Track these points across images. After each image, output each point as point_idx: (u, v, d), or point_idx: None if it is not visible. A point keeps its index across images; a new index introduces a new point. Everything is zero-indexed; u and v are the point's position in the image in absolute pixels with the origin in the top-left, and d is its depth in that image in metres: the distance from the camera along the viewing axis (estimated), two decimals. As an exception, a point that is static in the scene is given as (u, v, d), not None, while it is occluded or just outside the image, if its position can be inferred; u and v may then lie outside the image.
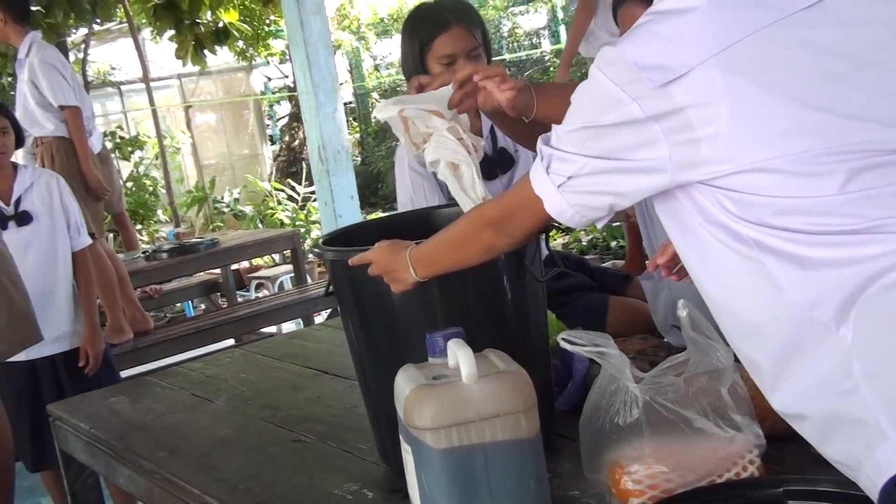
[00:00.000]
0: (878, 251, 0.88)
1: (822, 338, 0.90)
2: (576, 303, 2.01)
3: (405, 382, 1.15)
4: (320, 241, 1.55)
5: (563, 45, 10.09)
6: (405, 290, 1.32)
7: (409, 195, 2.12)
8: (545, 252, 1.50)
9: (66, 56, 8.96)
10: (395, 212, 2.08)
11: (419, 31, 2.08)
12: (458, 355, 1.12)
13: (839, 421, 0.90)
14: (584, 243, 6.48)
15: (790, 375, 0.95)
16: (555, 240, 6.76)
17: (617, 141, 0.95)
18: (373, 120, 11.86)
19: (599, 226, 1.09)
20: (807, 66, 0.90)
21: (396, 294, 1.33)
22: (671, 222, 1.02)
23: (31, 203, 2.90)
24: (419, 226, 1.56)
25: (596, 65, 0.97)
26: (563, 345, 1.18)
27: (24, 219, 2.88)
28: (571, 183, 1.01)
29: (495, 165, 2.18)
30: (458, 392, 1.10)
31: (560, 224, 1.10)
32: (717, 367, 1.19)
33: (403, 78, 2.21)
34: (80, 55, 9.63)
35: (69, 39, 9.27)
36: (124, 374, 3.56)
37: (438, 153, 1.39)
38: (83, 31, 9.30)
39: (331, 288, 1.51)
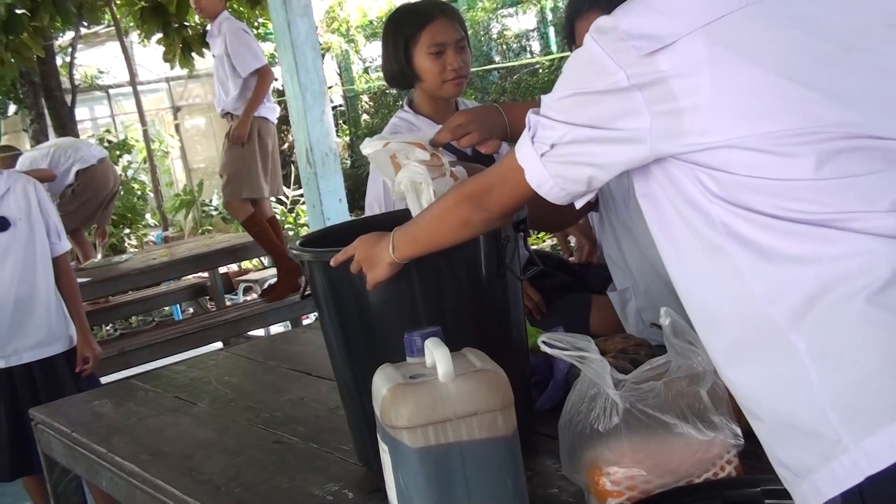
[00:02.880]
0: (841, 251, 0.87)
1: (773, 339, 0.90)
2: (558, 303, 2.01)
3: (382, 382, 1.15)
4: (297, 242, 1.55)
5: (552, 47, 10.12)
6: (380, 280, 1.30)
7: (379, 197, 2.11)
8: (525, 252, 1.50)
9: (53, 59, 8.96)
10: (373, 214, 2.07)
11: (404, 27, 2.09)
12: (435, 354, 1.12)
13: (793, 429, 0.90)
14: (573, 244, 6.47)
15: (744, 372, 0.95)
16: (543, 241, 6.77)
17: (601, 109, 0.95)
18: (363, 123, 11.85)
19: (578, 204, 1.08)
20: (793, 43, 0.91)
21: (372, 288, 1.32)
22: (650, 210, 1.02)
23: (8, 209, 2.86)
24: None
25: (590, 33, 0.97)
26: (544, 348, 1.18)
27: (0, 225, 2.84)
28: (554, 152, 1.00)
29: None
30: (435, 391, 1.10)
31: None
32: (697, 370, 1.19)
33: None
34: (67, 59, 9.60)
35: (56, 43, 9.25)
36: (112, 377, 3.54)
37: (403, 175, 1.43)
38: (70, 34, 9.27)
39: (307, 290, 1.51)
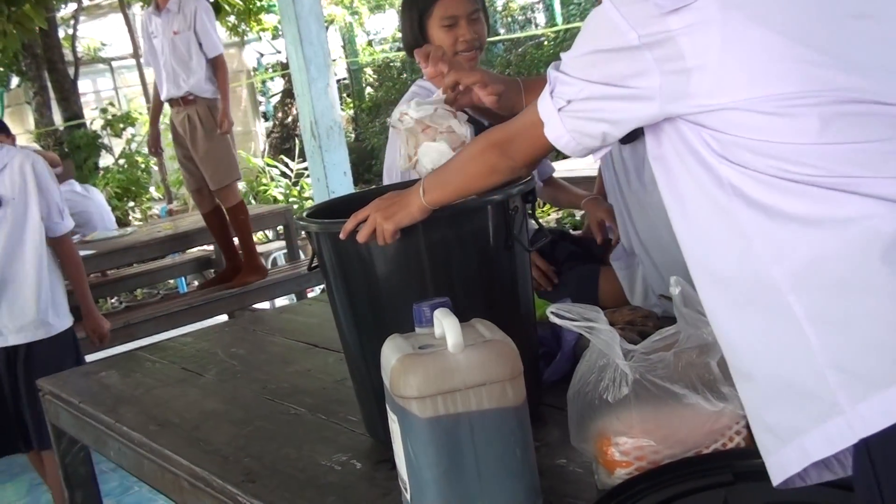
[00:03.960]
0: (848, 214, 0.87)
1: (772, 300, 0.90)
2: (566, 274, 2.00)
3: (391, 352, 1.15)
4: (304, 213, 1.54)
5: (557, 19, 10.03)
6: (402, 224, 1.30)
7: (396, 163, 2.11)
8: (533, 224, 1.50)
9: (55, 31, 8.90)
10: (379, 186, 2.06)
11: None
12: (444, 324, 1.11)
13: (788, 389, 0.90)
14: (578, 217, 6.47)
15: (743, 331, 0.96)
16: (548, 214, 6.76)
17: (614, 67, 0.97)
18: (367, 96, 11.80)
19: (595, 158, 1.11)
20: (803, 7, 0.91)
21: (391, 237, 1.30)
22: (660, 170, 1.03)
23: (3, 186, 2.77)
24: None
25: None
26: (553, 319, 1.18)
27: None
28: (571, 107, 1.03)
29: None
30: (444, 361, 1.10)
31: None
32: (707, 340, 1.19)
33: (397, 54, 2.22)
34: (70, 31, 9.54)
35: (58, 15, 9.20)
36: (117, 350, 3.55)
37: (428, 149, 1.44)
38: (72, 5, 9.21)
39: (315, 262, 1.50)
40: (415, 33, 2.10)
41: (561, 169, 5.10)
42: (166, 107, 4.57)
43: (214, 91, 4.40)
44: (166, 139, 5.01)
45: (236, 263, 4.71)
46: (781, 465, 0.91)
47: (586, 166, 4.59)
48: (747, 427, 1.20)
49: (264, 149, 11.60)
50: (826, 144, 0.88)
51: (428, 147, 1.43)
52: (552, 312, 1.18)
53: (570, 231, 2.31)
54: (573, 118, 1.03)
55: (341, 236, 1.35)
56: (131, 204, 9.24)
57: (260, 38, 11.61)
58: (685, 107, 0.93)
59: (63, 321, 2.95)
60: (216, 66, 4.41)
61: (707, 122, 0.93)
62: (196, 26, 4.33)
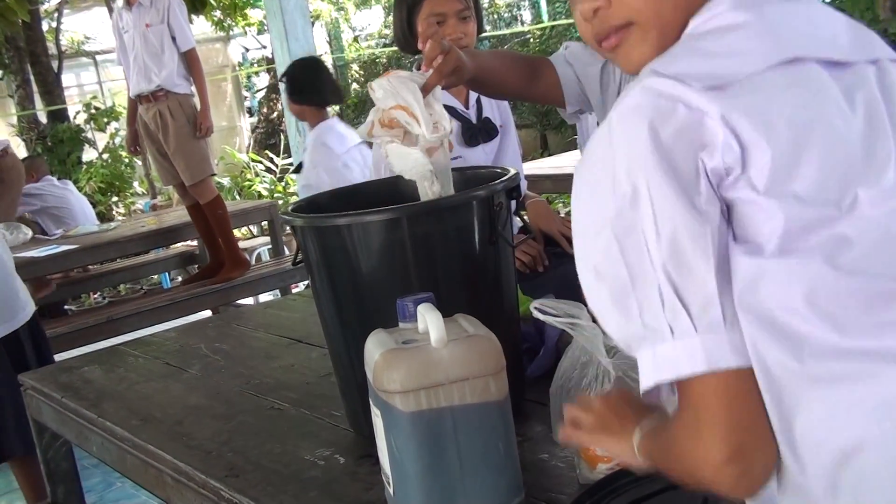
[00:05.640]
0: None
1: None
2: (550, 273, 2.01)
3: (375, 347, 1.15)
4: (289, 208, 1.54)
5: (543, 16, 10.04)
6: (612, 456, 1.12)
7: (380, 160, 2.13)
8: (518, 222, 1.50)
9: (39, 24, 8.81)
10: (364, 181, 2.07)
11: None
12: (428, 319, 1.12)
13: None
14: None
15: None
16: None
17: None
18: (352, 92, 11.76)
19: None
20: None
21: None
22: None
23: None
24: (387, 193, 1.55)
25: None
26: (536, 314, 1.18)
27: None
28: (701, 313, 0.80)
29: (479, 133, 2.21)
30: (428, 356, 1.10)
31: None
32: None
33: (384, 50, 2.22)
34: (53, 24, 9.46)
35: (42, 8, 9.12)
36: (100, 345, 3.53)
37: (406, 164, 1.42)
38: (56, -1, 9.12)
39: (300, 257, 1.50)
40: (403, 28, 2.11)
41: (546, 167, 5.10)
42: None
43: (186, 87, 4.39)
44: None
45: (220, 258, 4.69)
46: None
47: (572, 164, 4.58)
48: (727, 422, 1.21)
49: (249, 144, 11.56)
50: None
51: (406, 152, 1.41)
52: (535, 308, 1.19)
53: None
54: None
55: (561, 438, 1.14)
56: (115, 199, 9.18)
57: (245, 32, 11.56)
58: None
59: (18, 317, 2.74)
60: (190, 61, 4.39)
61: None
62: (170, 19, 4.31)
